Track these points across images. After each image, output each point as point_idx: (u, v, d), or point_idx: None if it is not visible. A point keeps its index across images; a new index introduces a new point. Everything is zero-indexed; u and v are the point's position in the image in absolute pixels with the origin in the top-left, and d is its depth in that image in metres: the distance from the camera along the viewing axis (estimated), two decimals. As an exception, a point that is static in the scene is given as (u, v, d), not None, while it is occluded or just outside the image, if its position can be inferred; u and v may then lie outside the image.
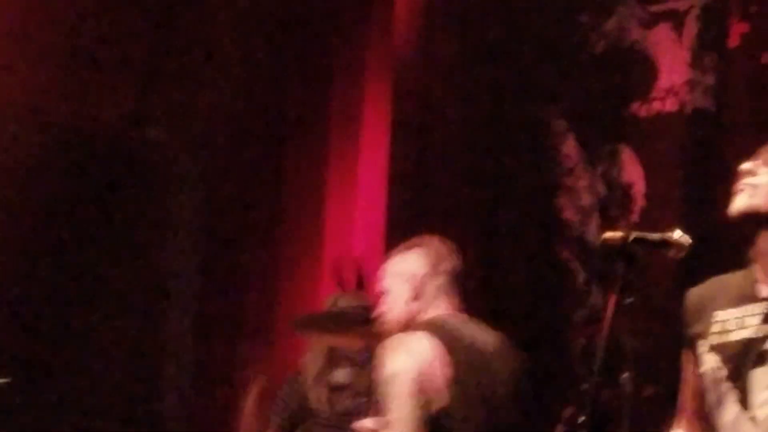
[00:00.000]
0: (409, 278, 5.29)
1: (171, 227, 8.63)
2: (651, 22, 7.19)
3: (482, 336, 5.25)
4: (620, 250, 3.96)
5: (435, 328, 5.14)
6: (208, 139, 8.54)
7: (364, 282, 7.10)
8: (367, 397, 6.56)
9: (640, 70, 7.20)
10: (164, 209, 8.61)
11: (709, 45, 6.93)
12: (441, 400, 5.06)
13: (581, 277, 7.31)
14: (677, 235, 4.02)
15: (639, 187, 7.19)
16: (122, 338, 8.46)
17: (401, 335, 5.14)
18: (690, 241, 3.98)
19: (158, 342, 8.57)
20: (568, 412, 6.45)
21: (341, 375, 6.72)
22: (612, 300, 3.93)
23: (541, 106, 7.56)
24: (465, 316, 5.27)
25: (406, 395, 5.02)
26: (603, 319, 3.94)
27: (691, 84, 6.98)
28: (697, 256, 4.12)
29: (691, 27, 7.03)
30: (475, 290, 7.22)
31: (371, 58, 8.07)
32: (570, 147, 7.48)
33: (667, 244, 4.03)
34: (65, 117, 8.37)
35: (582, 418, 4.94)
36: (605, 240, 4.01)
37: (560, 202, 7.49)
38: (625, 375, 4.77)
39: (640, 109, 7.20)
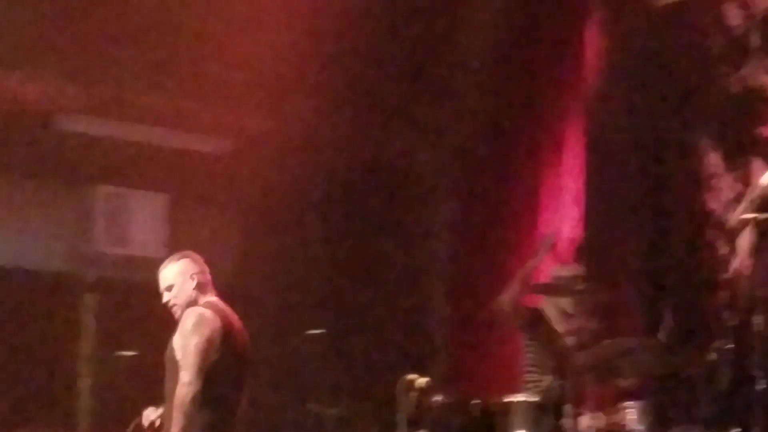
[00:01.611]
0: (189, 275, 6.31)
1: (431, 229, 9.42)
2: (773, 69, 7.56)
3: (232, 314, 6.30)
4: (752, 226, 4.39)
5: (212, 306, 6.22)
6: (458, 161, 9.32)
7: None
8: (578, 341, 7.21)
9: (764, 104, 7.56)
10: (427, 214, 9.46)
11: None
12: (216, 353, 6.09)
13: (724, 249, 7.55)
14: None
15: (765, 186, 7.54)
16: (397, 308, 9.34)
17: (194, 310, 6.17)
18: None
19: (421, 305, 9.40)
20: (718, 342, 6.81)
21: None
22: (748, 264, 4.39)
23: (694, 130, 7.96)
24: (221, 301, 6.31)
25: (198, 350, 6.04)
26: (741, 278, 4.50)
27: (801, 111, 7.44)
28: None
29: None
30: (647, 261, 8.06)
31: (570, 93, 8.74)
32: (714, 158, 7.82)
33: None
34: (353, 153, 9.27)
35: (730, 346, 5.93)
36: (742, 220, 4.47)
37: (708, 197, 7.80)
38: (759, 317, 5.84)
39: (765, 131, 7.56)
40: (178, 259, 6.40)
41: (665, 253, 8.06)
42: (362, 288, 9.27)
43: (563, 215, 8.56)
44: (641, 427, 6.68)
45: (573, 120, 8.72)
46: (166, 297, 6.33)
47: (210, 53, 8.58)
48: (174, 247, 8.92)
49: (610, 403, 6.85)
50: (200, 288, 6.34)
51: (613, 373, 6.91)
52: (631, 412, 6.70)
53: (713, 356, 6.84)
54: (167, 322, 8.65)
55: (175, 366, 6.15)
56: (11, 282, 9.15)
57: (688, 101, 8.00)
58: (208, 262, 8.83)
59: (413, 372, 6.90)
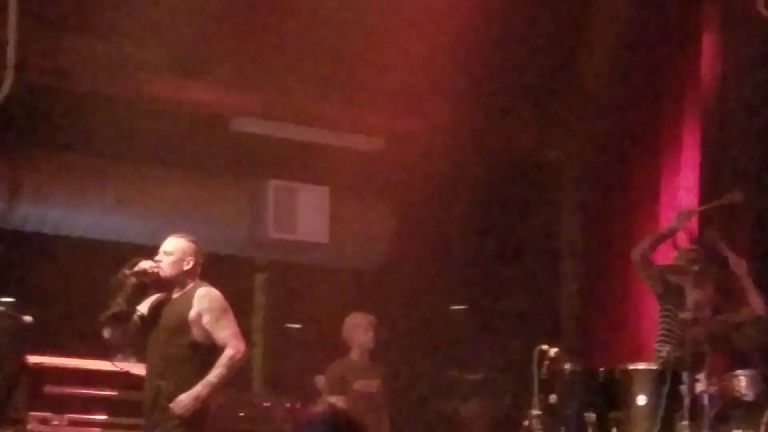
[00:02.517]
0: (189, 256, 6.34)
1: (562, 214, 9.57)
2: None
3: None
4: None
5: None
6: (585, 154, 9.48)
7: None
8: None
9: None
10: (558, 200, 9.62)
11: None
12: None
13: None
14: None
15: None
16: (531, 286, 9.51)
17: (209, 289, 6.34)
18: None
19: (553, 283, 9.61)
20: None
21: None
22: None
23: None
24: None
25: (231, 315, 6.36)
26: None
27: None
28: None
29: None
30: (758, 246, 8.26)
31: (688, 96, 8.91)
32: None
33: None
34: (490, 145, 9.50)
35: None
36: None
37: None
38: None
39: None
40: (189, 240, 6.45)
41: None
42: (500, 268, 9.47)
43: (678, 205, 8.64)
44: (751, 393, 6.82)
45: (690, 120, 8.87)
46: (159, 257, 6.38)
47: (365, 63, 8.88)
48: (334, 233, 9.44)
49: (723, 371, 6.97)
50: (189, 272, 6.39)
51: (726, 345, 7.03)
52: (742, 380, 6.84)
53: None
54: (327, 298, 9.08)
55: (180, 332, 6.29)
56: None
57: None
58: (365, 247, 9.11)
59: (546, 343, 7.04)
